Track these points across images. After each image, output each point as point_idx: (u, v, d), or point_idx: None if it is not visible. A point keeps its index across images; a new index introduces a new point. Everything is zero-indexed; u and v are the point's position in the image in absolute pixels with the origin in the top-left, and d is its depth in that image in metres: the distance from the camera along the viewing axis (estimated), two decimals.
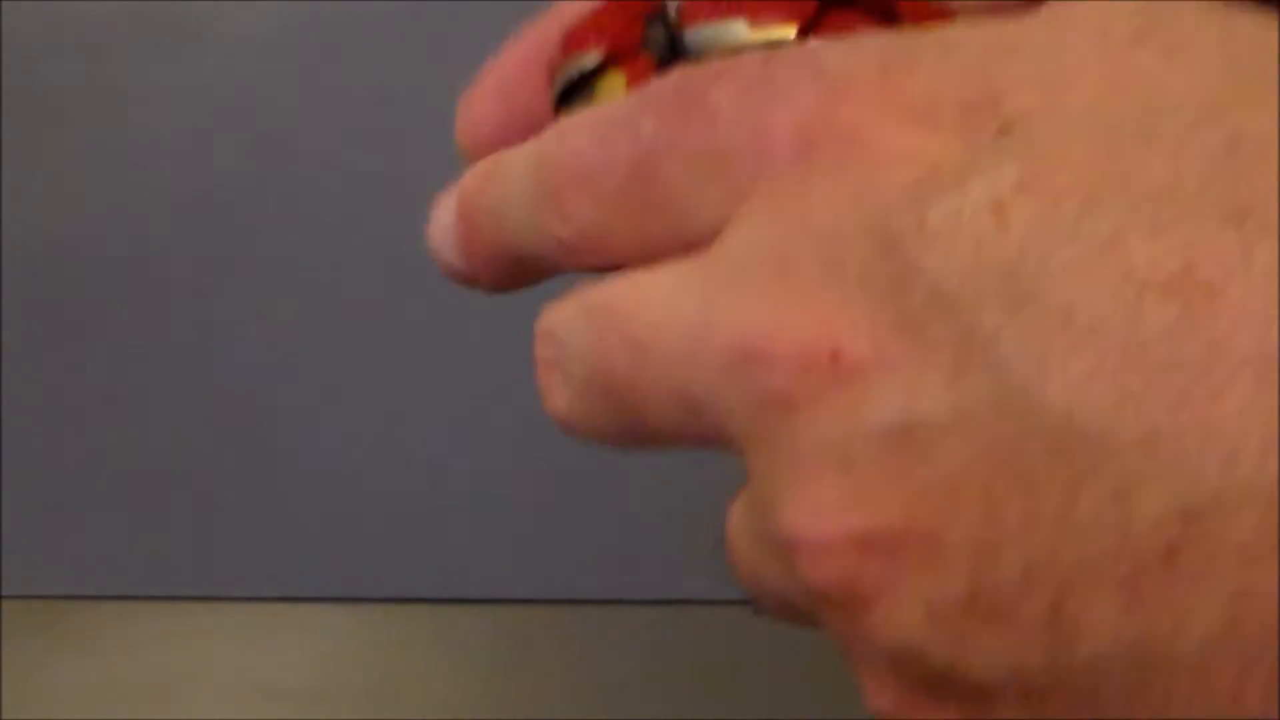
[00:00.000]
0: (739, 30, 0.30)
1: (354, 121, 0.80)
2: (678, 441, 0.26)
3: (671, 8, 0.31)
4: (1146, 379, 0.20)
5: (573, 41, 0.31)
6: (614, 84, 0.30)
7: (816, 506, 0.22)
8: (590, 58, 0.31)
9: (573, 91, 0.31)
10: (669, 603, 0.79)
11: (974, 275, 0.21)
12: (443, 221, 0.31)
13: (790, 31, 0.30)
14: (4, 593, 0.78)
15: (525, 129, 0.31)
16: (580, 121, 0.27)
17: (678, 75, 0.26)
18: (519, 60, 0.34)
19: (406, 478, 0.80)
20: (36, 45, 0.79)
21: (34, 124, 0.79)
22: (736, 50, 0.30)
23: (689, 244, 0.25)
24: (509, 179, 0.29)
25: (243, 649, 0.78)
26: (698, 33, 0.30)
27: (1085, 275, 0.20)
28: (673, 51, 0.31)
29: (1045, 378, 0.20)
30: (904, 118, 0.22)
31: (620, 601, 0.79)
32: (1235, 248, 0.20)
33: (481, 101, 0.34)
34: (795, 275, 0.23)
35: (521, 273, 0.29)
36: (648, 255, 0.26)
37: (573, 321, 0.27)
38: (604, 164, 0.26)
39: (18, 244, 0.80)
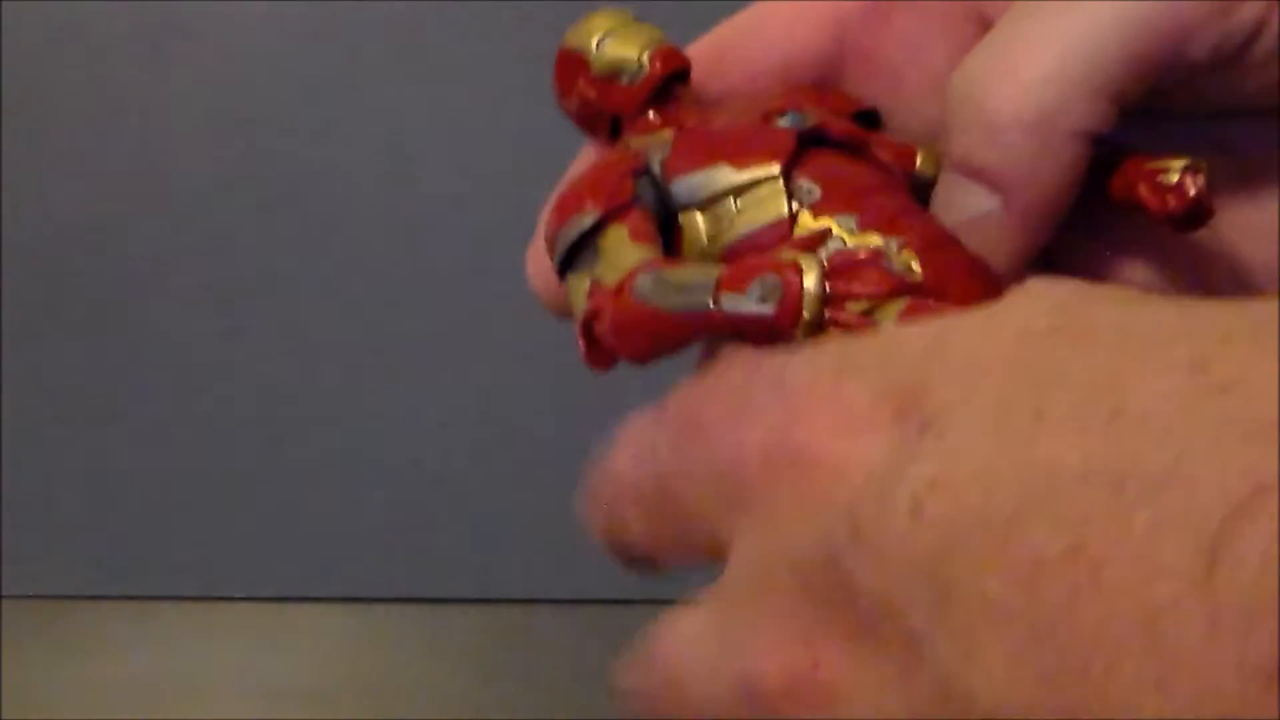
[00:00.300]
0: (724, 174, 0.31)
1: (353, 121, 0.80)
2: None
3: (655, 162, 0.32)
4: (1055, 657, 0.21)
5: (567, 207, 0.32)
6: (618, 237, 0.31)
7: None
8: (588, 218, 0.31)
9: (576, 253, 0.32)
10: (669, 603, 0.79)
11: (902, 578, 0.23)
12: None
13: (774, 168, 0.30)
14: (4, 593, 0.78)
15: None
16: (622, 438, 0.30)
17: (684, 392, 0.29)
18: None
19: (406, 478, 0.80)
20: (36, 45, 0.79)
21: (34, 124, 0.80)
22: (722, 196, 0.31)
23: (715, 553, 0.27)
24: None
25: (243, 649, 0.78)
26: (685, 182, 0.31)
27: (992, 561, 0.22)
28: (662, 204, 0.31)
29: (973, 668, 0.22)
30: (847, 427, 0.25)
31: (620, 601, 0.79)
32: (1115, 515, 0.21)
33: (541, 254, 0.35)
34: (778, 601, 0.25)
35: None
36: (691, 560, 0.29)
37: (631, 669, 0.30)
38: (638, 484, 0.29)
39: (18, 244, 0.80)
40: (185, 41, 0.80)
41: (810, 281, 0.28)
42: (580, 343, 0.32)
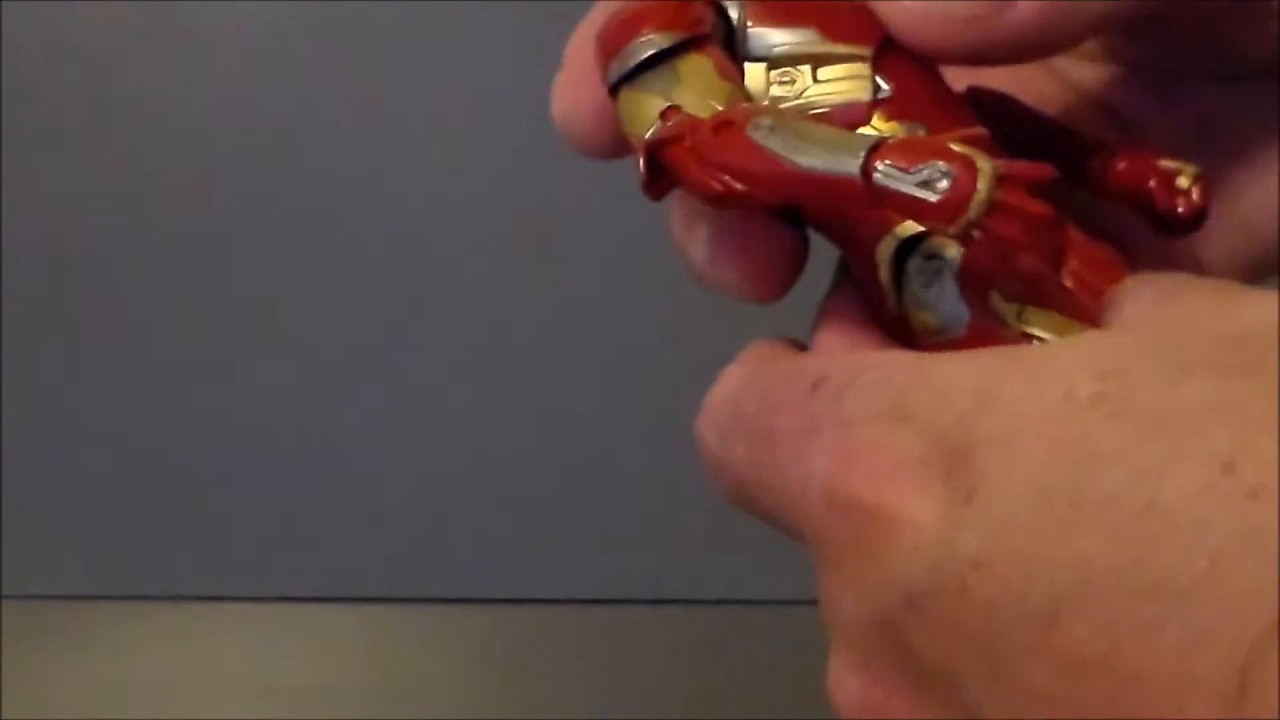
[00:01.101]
0: (811, 39, 0.31)
1: (353, 121, 0.80)
2: None
3: (734, 6, 0.31)
4: None
5: (638, 21, 0.31)
6: (702, 67, 0.30)
7: None
8: (666, 37, 0.30)
9: (642, 71, 0.31)
10: (669, 603, 0.79)
11: (956, 651, 0.24)
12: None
13: (866, 50, 0.30)
14: (4, 593, 0.78)
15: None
16: (707, 415, 0.30)
17: (758, 387, 0.29)
18: None
19: (408, 477, 0.80)
20: (36, 45, 0.79)
21: (34, 124, 0.80)
22: (801, 60, 0.30)
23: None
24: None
25: (243, 649, 0.78)
26: (766, 34, 0.31)
27: (1037, 651, 0.23)
28: (730, 46, 0.31)
29: None
30: (899, 479, 0.25)
31: (620, 601, 0.79)
32: (1148, 625, 0.22)
33: (574, 87, 0.33)
34: (850, 635, 0.26)
35: None
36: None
37: None
38: (719, 471, 0.30)
39: (18, 244, 0.80)
40: (187, 42, 0.80)
41: (983, 184, 0.27)
42: (641, 165, 0.30)
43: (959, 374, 0.26)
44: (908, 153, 0.28)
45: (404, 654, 0.78)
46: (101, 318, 0.80)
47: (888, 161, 0.28)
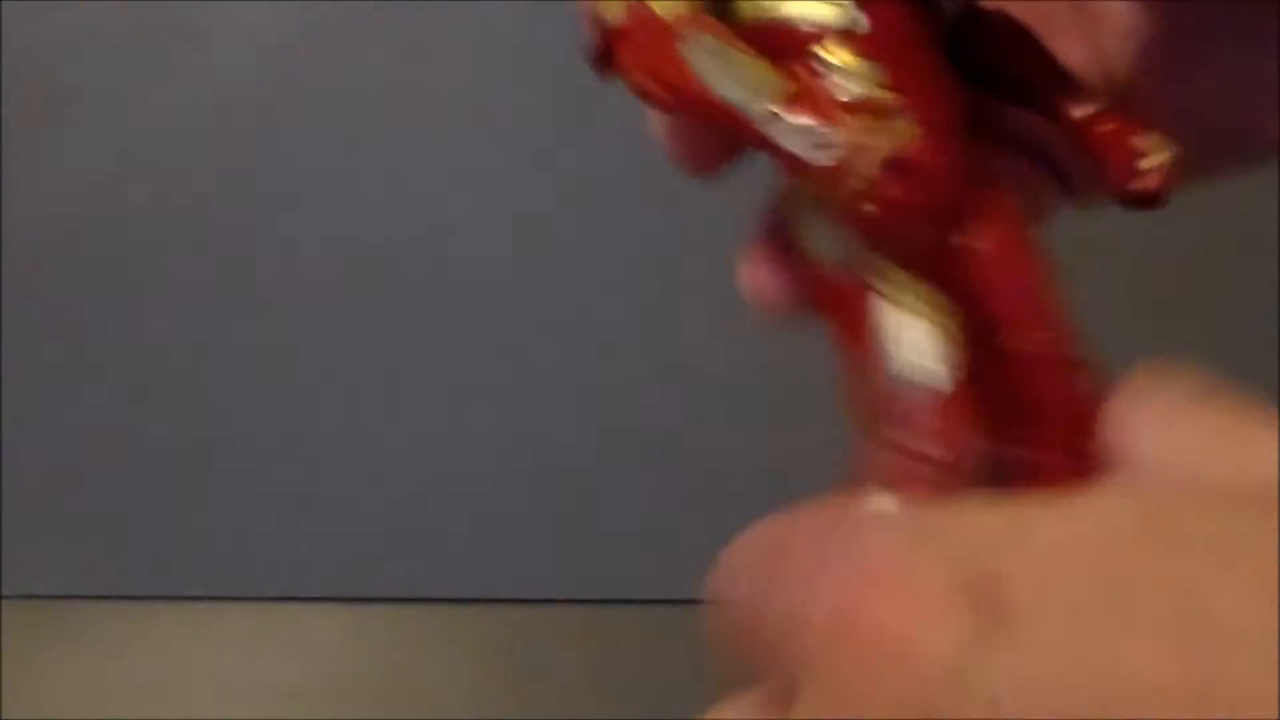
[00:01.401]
0: None
1: (354, 121, 0.80)
2: None
3: None
4: None
5: None
6: (677, 8, 0.30)
7: None
8: None
9: None
10: (669, 603, 0.79)
11: None
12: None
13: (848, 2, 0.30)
14: (4, 593, 0.78)
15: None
16: (720, 560, 0.29)
17: (783, 517, 0.28)
18: None
19: (405, 477, 0.80)
20: (36, 45, 0.79)
21: (34, 124, 0.80)
22: (787, 20, 0.30)
23: (785, 695, 0.27)
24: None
25: (243, 649, 0.78)
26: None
27: None
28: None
29: None
30: (918, 609, 0.25)
31: (620, 601, 0.79)
32: None
33: None
34: None
35: None
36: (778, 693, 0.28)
37: None
38: (733, 603, 0.29)
39: (18, 244, 0.80)
40: (188, 43, 0.80)
41: (869, 165, 0.28)
42: (594, 47, 0.30)
43: (987, 513, 0.26)
44: (815, 112, 0.28)
45: (404, 654, 0.78)
46: (101, 318, 0.80)
47: (794, 116, 0.28)
